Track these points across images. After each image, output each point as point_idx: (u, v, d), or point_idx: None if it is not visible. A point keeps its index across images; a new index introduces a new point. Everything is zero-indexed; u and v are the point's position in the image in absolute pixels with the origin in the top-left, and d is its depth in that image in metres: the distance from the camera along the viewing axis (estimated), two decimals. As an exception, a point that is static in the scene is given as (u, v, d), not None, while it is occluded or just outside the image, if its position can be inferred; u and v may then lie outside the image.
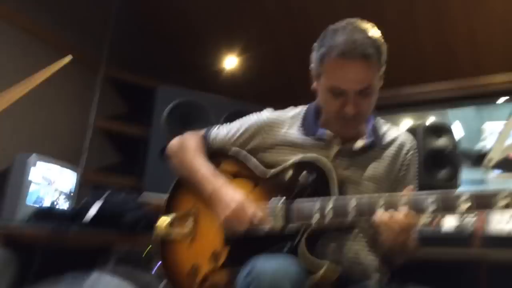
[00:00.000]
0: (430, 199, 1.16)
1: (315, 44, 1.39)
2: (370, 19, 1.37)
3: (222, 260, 1.37)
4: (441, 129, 2.38)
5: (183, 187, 1.56)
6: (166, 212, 1.56)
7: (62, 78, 3.00)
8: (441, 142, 2.35)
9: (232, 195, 1.34)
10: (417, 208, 1.17)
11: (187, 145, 1.55)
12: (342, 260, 1.34)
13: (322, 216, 1.26)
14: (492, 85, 2.89)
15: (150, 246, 2.18)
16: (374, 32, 1.33)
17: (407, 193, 1.20)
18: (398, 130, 1.54)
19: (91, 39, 3.24)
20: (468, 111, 3.46)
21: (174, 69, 3.55)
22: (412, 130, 2.38)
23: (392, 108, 3.26)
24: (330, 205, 1.26)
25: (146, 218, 2.24)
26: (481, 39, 2.86)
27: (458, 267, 2.36)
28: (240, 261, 1.21)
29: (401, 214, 1.17)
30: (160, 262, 1.50)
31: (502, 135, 0.40)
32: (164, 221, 1.53)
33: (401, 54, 3.00)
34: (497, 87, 2.87)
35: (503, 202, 1.06)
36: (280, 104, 1.61)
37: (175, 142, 1.63)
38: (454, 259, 2.28)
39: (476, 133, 3.51)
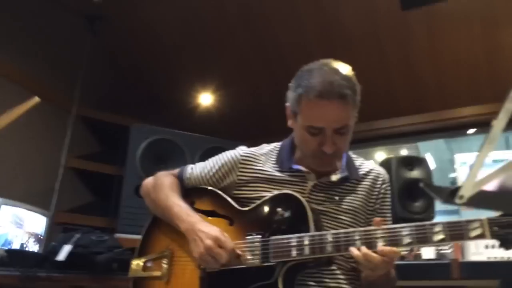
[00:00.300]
0: (404, 231, 1.16)
1: (291, 84, 1.41)
2: (341, 59, 1.41)
3: (198, 301, 1.32)
4: (415, 161, 2.43)
5: (157, 228, 1.52)
6: (140, 253, 1.51)
7: (33, 117, 2.95)
8: (415, 173, 2.39)
9: (208, 230, 1.32)
10: (392, 241, 1.17)
11: (161, 184, 1.53)
12: (321, 296, 1.32)
13: (299, 253, 1.24)
14: (460, 118, 3.00)
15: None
16: (349, 73, 1.36)
17: (381, 226, 1.20)
18: (371, 163, 1.57)
19: (63, 78, 3.22)
20: (439, 143, 3.56)
21: (148, 107, 3.54)
22: (386, 162, 2.42)
23: (365, 141, 3.32)
24: (306, 242, 1.24)
25: (119, 259, 2.16)
26: (448, 74, 2.98)
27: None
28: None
29: (377, 249, 1.16)
30: None
31: (472, 171, 0.41)
32: (138, 262, 1.48)
33: (373, 90, 3.09)
34: (465, 120, 2.97)
35: (475, 233, 1.06)
36: (255, 140, 1.62)
37: (148, 181, 1.60)
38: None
39: (447, 165, 3.59)
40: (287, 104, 1.44)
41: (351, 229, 1.24)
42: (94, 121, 3.30)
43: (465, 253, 2.01)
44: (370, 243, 1.18)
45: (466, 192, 0.39)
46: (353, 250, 1.18)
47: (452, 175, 3.29)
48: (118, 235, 2.66)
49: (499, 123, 0.37)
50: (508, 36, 2.61)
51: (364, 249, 1.17)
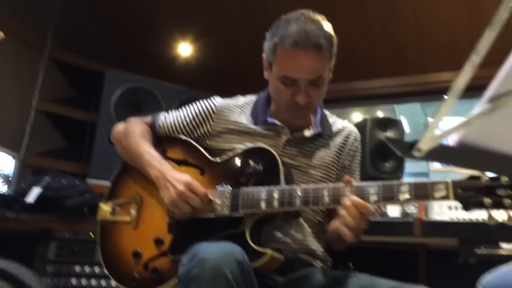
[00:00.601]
0: (372, 190, 1.18)
1: (268, 33, 1.40)
2: (322, 14, 1.38)
3: (165, 246, 1.34)
4: (389, 123, 2.46)
5: (128, 173, 1.52)
6: (109, 198, 1.52)
7: (2, 57, 2.84)
8: (388, 135, 2.42)
9: (179, 177, 1.32)
10: (359, 197, 1.19)
11: (133, 131, 1.51)
12: (287, 247, 1.35)
13: (268, 205, 1.26)
14: (438, 82, 3.01)
15: (92, 234, 2.12)
16: (326, 24, 1.35)
17: (350, 183, 1.22)
18: (344, 121, 1.59)
19: (36, 19, 3.08)
20: (415, 107, 3.60)
21: (125, 55, 3.44)
22: (361, 123, 2.44)
23: (342, 101, 3.33)
24: (276, 195, 1.26)
25: (89, 204, 2.16)
26: (429, 38, 2.97)
27: (400, 253, 2.46)
28: (184, 248, 1.20)
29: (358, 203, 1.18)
30: (100, 248, 1.46)
31: (432, 124, 0.41)
32: (106, 206, 1.48)
33: (353, 51, 3.07)
34: (442, 85, 2.99)
35: (439, 194, 1.09)
36: (233, 93, 1.60)
37: (119, 127, 1.58)
38: (396, 246, 2.37)
39: (421, 128, 3.66)
40: (264, 54, 1.42)
41: (320, 185, 1.26)
42: (68, 65, 3.19)
43: (428, 213, 2.09)
44: (337, 199, 1.21)
45: (425, 146, 0.39)
46: (346, 200, 1.19)
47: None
48: (89, 180, 2.65)
49: (463, 76, 0.37)
50: (491, 4, 2.60)
51: (354, 197, 1.19)
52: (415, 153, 0.40)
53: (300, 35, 1.28)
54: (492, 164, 0.44)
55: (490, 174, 1.07)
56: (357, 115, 3.60)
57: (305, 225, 1.42)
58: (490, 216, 1.06)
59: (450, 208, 2.07)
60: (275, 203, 1.25)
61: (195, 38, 3.41)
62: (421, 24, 2.97)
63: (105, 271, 1.42)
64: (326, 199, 1.22)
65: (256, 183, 1.31)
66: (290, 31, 1.30)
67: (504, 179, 1.04)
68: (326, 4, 2.79)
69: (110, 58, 3.21)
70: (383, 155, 2.38)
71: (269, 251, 1.20)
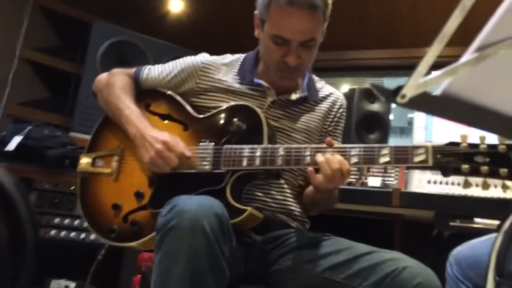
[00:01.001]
0: (353, 151, 1.19)
1: None
2: None
3: (145, 200, 1.34)
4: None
5: (110, 126, 1.50)
6: (90, 149, 1.50)
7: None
8: (375, 107, 2.43)
9: (157, 135, 1.31)
10: None
11: (114, 83, 1.48)
12: (267, 207, 1.37)
13: (250, 162, 1.26)
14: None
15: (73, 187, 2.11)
16: None
17: (331, 144, 1.23)
18: (331, 87, 1.58)
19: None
20: (403, 82, 3.61)
21: (114, 6, 3.33)
22: (349, 93, 2.43)
23: (332, 71, 3.31)
24: (258, 153, 1.26)
25: (71, 156, 2.14)
26: (422, 11, 2.94)
27: (377, 222, 2.52)
28: (164, 202, 1.19)
29: (338, 157, 1.19)
30: (80, 200, 1.45)
31: (418, 70, 0.40)
32: (87, 158, 1.47)
33: (346, 20, 3.02)
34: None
35: (419, 158, 1.10)
36: (223, 52, 1.57)
37: (102, 77, 1.55)
38: (374, 216, 2.42)
39: (408, 104, 3.66)
40: (256, 11, 1.39)
41: (303, 145, 1.27)
42: (55, 13, 3.09)
43: (408, 186, 2.12)
44: None
45: (409, 92, 0.39)
46: (319, 155, 1.20)
47: (410, 115, 3.38)
48: (72, 133, 2.61)
49: (453, 20, 0.36)
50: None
51: (328, 154, 1.19)
52: (399, 100, 0.40)
53: None
54: (473, 117, 0.44)
55: (469, 141, 1.07)
56: (346, 86, 3.59)
57: (286, 186, 1.43)
58: (466, 182, 1.08)
59: (429, 182, 2.10)
60: (257, 161, 1.26)
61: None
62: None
63: (85, 222, 1.42)
64: (308, 159, 1.22)
65: (239, 141, 1.31)
66: None
67: (483, 146, 1.05)
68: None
69: (99, 9, 3.11)
70: (368, 126, 2.39)
71: (248, 208, 1.21)
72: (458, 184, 2.03)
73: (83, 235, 2.15)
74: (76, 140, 2.45)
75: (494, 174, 1.03)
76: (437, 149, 1.09)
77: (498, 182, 1.08)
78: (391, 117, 2.54)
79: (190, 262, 1.00)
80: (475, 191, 2.00)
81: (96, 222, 1.40)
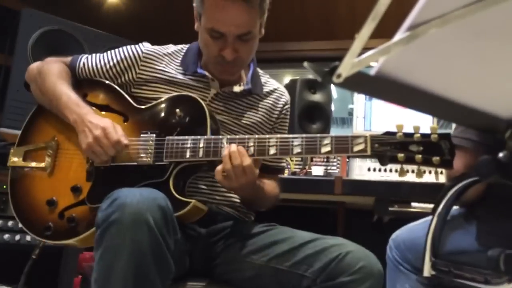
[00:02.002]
0: (296, 141, 1.20)
1: None
2: None
3: (83, 194, 1.29)
4: (318, 85, 2.50)
5: (43, 117, 1.42)
6: (21, 142, 1.41)
7: None
8: (317, 97, 2.47)
9: (97, 121, 1.25)
10: (283, 150, 1.20)
11: (49, 69, 1.40)
12: (211, 199, 1.35)
13: (193, 154, 1.23)
14: (366, 49, 3.10)
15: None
16: None
17: (275, 135, 1.23)
18: (276, 83, 1.57)
19: None
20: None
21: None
22: (291, 83, 2.46)
23: (274, 62, 3.34)
24: (201, 144, 1.24)
25: (0, 153, 2.00)
26: (360, 3, 3.03)
27: (319, 211, 2.57)
28: (103, 196, 1.15)
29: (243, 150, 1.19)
30: (11, 197, 1.36)
31: (352, 49, 0.41)
32: (17, 152, 1.38)
33: (286, 12, 3.05)
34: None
35: (358, 147, 1.14)
36: (164, 43, 1.52)
37: (35, 65, 1.46)
38: (317, 204, 2.47)
39: (347, 95, 3.77)
40: (194, 4, 1.36)
41: (247, 136, 1.26)
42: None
43: (349, 174, 2.18)
44: (263, 150, 1.21)
45: (344, 71, 0.39)
46: (225, 148, 1.19)
47: (350, 106, 3.47)
48: (2, 129, 2.45)
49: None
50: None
51: (234, 146, 1.19)
52: (335, 79, 0.39)
53: None
54: (405, 97, 0.45)
55: (404, 130, 1.12)
56: (288, 77, 3.63)
57: None
58: (401, 170, 1.12)
59: (369, 169, 2.18)
60: (201, 152, 1.23)
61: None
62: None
63: (18, 222, 1.34)
64: (251, 149, 1.21)
65: (182, 132, 1.28)
66: None
67: (417, 135, 1.10)
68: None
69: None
70: (311, 116, 2.43)
71: (192, 201, 1.19)
72: (396, 171, 2.12)
73: (18, 237, 2.04)
74: (6, 136, 2.31)
75: (427, 162, 1.08)
76: (374, 139, 1.12)
77: (431, 169, 1.13)
78: (332, 107, 2.59)
79: (133, 257, 0.97)
80: (412, 177, 2.09)
81: (29, 221, 1.33)
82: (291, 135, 1.23)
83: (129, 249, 0.97)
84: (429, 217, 1.31)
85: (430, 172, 2.07)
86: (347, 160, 2.20)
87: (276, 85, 1.54)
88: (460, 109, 0.46)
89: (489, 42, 0.41)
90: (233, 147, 1.19)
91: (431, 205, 1.62)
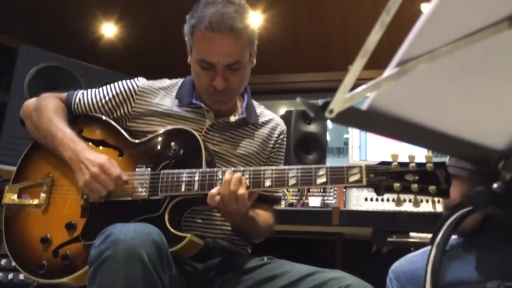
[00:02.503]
0: (291, 173, 1.20)
1: (187, 16, 1.37)
2: (251, 9, 1.37)
3: (78, 231, 1.27)
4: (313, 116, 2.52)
5: (38, 153, 1.42)
6: (16, 180, 1.40)
7: None
8: (312, 128, 2.49)
9: (93, 158, 1.25)
10: (278, 182, 1.20)
11: (45, 106, 1.40)
12: (207, 233, 1.33)
13: (189, 188, 1.23)
14: (360, 80, 3.15)
15: None
16: (244, 8, 1.33)
17: (270, 167, 1.23)
18: (271, 113, 1.58)
19: None
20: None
21: (42, 31, 3.20)
22: (286, 114, 2.48)
23: (270, 93, 3.38)
24: (196, 177, 1.23)
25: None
26: (352, 36, 3.09)
27: (318, 242, 2.54)
28: (98, 232, 1.13)
29: (243, 180, 1.20)
30: (5, 236, 1.34)
31: (344, 85, 0.41)
32: (12, 189, 1.37)
33: (281, 45, 3.11)
34: (364, 82, 3.12)
35: (353, 178, 1.13)
36: (160, 77, 1.55)
37: (31, 101, 1.47)
38: (315, 236, 2.45)
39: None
40: (186, 38, 1.39)
41: (242, 168, 1.26)
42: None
43: (346, 204, 2.17)
44: (258, 182, 1.21)
45: (336, 106, 0.39)
46: (227, 173, 1.20)
47: (346, 135, 3.49)
48: (-3, 166, 2.45)
49: (374, 35, 0.37)
50: (409, 6, 2.75)
51: (238, 174, 1.20)
52: (327, 114, 0.40)
53: (216, 17, 1.26)
54: (397, 131, 0.45)
55: (400, 159, 1.12)
56: (283, 109, 3.66)
57: None
58: (398, 200, 1.12)
59: (366, 199, 2.17)
60: (196, 186, 1.23)
61: (120, 18, 3.26)
62: (346, 24, 3.08)
63: (11, 259, 1.31)
64: (247, 182, 1.21)
65: (177, 165, 1.28)
66: (206, 13, 1.28)
67: (412, 165, 1.10)
68: (256, 2, 2.81)
69: (26, 34, 2.98)
70: (306, 147, 2.44)
71: (188, 235, 1.17)
72: (393, 201, 2.11)
73: (11, 275, 2.00)
74: (1, 173, 2.29)
75: (423, 191, 1.08)
76: (370, 169, 1.12)
77: (428, 198, 1.13)
78: (327, 137, 2.60)
79: None
80: (409, 207, 2.09)
81: (23, 259, 1.30)
82: (286, 167, 1.23)
83: (123, 286, 0.95)
84: (428, 247, 1.30)
85: (427, 201, 2.07)
86: (344, 190, 2.20)
87: (271, 115, 1.56)
88: (453, 141, 0.46)
89: (477, 76, 0.42)
90: (237, 174, 1.19)
91: (430, 235, 1.60)
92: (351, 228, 2.08)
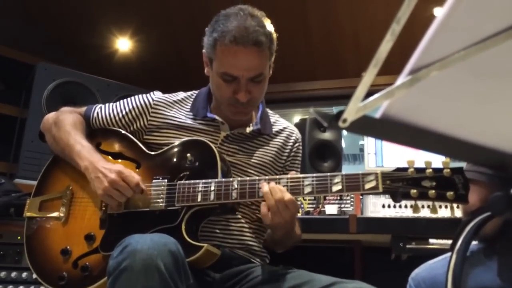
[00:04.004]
0: (306, 181, 1.20)
1: (207, 29, 1.37)
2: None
3: (97, 243, 1.29)
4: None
5: (59, 167, 1.45)
6: (37, 193, 1.43)
7: None
8: (327, 135, 2.48)
9: (110, 166, 1.27)
10: (294, 190, 1.20)
11: (64, 120, 1.44)
12: (224, 243, 1.34)
13: (205, 197, 1.24)
14: (373, 86, 3.14)
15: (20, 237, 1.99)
16: (265, 20, 1.34)
17: (286, 176, 1.24)
18: (286, 122, 1.58)
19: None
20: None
21: (59, 47, 3.27)
22: (301, 123, 2.48)
23: (284, 102, 3.38)
24: (212, 187, 1.24)
25: (16, 204, 2.03)
26: (364, 43, 3.09)
27: (336, 250, 2.52)
28: (116, 243, 1.15)
29: (280, 186, 1.20)
30: (26, 248, 1.37)
31: (356, 94, 0.42)
32: (33, 203, 1.40)
33: (294, 53, 3.13)
34: (377, 88, 3.11)
35: (369, 185, 1.12)
36: (174, 90, 1.57)
37: (51, 115, 1.51)
38: (333, 244, 2.43)
39: (358, 131, 3.77)
40: (204, 50, 1.40)
41: (257, 177, 1.26)
42: (-4, 57, 2.99)
43: (364, 211, 2.15)
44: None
45: (349, 116, 0.40)
46: (263, 185, 1.20)
47: (361, 142, 3.47)
48: (18, 180, 2.49)
49: (385, 45, 0.37)
50: (423, 9, 2.74)
51: (272, 183, 1.20)
52: (341, 124, 0.40)
53: (240, 31, 1.27)
54: (411, 138, 0.45)
55: (416, 165, 1.11)
56: (298, 117, 3.67)
57: (243, 221, 1.40)
58: (415, 206, 1.11)
59: (383, 206, 2.15)
60: (212, 196, 1.24)
61: (134, 33, 3.32)
62: (358, 30, 3.08)
63: (32, 271, 1.34)
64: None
65: (193, 176, 1.29)
66: (230, 27, 1.28)
67: (429, 171, 1.09)
68: (267, 7, 2.83)
69: (43, 50, 3.05)
70: (321, 155, 2.43)
71: (205, 245, 1.18)
72: (411, 207, 2.09)
73: (32, 288, 2.02)
74: (21, 187, 2.33)
75: (441, 197, 1.07)
76: (385, 176, 1.12)
77: (446, 204, 1.11)
78: (342, 144, 2.59)
79: None
80: (428, 213, 2.06)
81: (43, 271, 1.32)
82: (302, 175, 1.23)
83: None
84: (448, 254, 1.28)
85: (446, 207, 2.04)
86: (361, 197, 2.18)
87: (285, 124, 1.56)
88: (469, 147, 0.46)
89: (490, 82, 0.42)
90: (272, 183, 1.19)
91: (449, 241, 1.58)
92: (369, 235, 2.06)
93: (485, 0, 0.37)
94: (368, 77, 0.38)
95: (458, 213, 1.84)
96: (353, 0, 2.99)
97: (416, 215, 1.99)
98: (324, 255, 2.51)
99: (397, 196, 1.10)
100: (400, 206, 2.12)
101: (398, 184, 1.10)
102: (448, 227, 1.83)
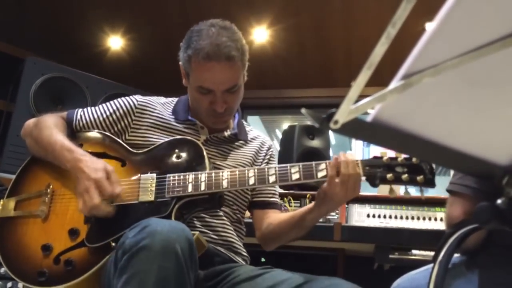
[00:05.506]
0: (293, 169, 1.26)
1: (182, 44, 1.42)
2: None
3: (81, 237, 1.28)
4: (316, 131, 2.53)
5: (38, 165, 1.44)
6: (12, 193, 1.42)
7: None
8: (315, 143, 2.49)
9: (95, 164, 1.27)
10: (282, 178, 1.25)
11: (45, 121, 1.43)
12: (209, 237, 1.36)
13: (195, 188, 1.26)
14: (363, 96, 3.16)
15: None
16: (236, 34, 1.40)
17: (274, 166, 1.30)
18: (258, 131, 1.67)
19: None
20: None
21: (49, 42, 3.24)
22: (289, 129, 2.49)
23: (274, 108, 3.39)
24: (203, 178, 1.27)
25: (-3, 198, 1.99)
26: (356, 53, 3.12)
27: (319, 257, 2.53)
28: (105, 235, 1.18)
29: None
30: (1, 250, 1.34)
31: (349, 96, 0.42)
32: (7, 202, 1.38)
33: (286, 60, 3.14)
34: (367, 99, 3.14)
35: (322, 174, 1.23)
36: (165, 90, 1.60)
37: (31, 120, 1.51)
38: (316, 251, 2.43)
39: (345, 141, 3.80)
40: (180, 63, 1.44)
41: (247, 167, 1.29)
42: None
43: (349, 220, 2.16)
44: (263, 179, 1.26)
45: (341, 117, 0.40)
46: (341, 154, 1.24)
47: (349, 152, 3.50)
48: (1, 174, 2.45)
49: (380, 47, 0.37)
50: (414, 24, 2.78)
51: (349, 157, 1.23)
52: (332, 125, 0.40)
53: (212, 48, 1.32)
54: (401, 143, 0.45)
55: (390, 154, 1.22)
56: (287, 123, 3.68)
57: (225, 219, 1.44)
58: (391, 190, 1.23)
59: (368, 216, 2.16)
60: (203, 186, 1.26)
61: (126, 32, 3.30)
62: (350, 40, 3.11)
63: (6, 270, 1.31)
64: (252, 179, 1.26)
65: (182, 170, 1.31)
66: (203, 44, 1.33)
67: (400, 158, 1.22)
68: (261, 17, 2.84)
69: (33, 45, 3.01)
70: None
71: (196, 233, 1.18)
72: (396, 218, 2.10)
73: (9, 284, 1.99)
74: (4, 181, 2.29)
75: (413, 181, 1.21)
76: (365, 162, 1.23)
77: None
78: (330, 153, 2.61)
79: (159, 284, 0.97)
80: (412, 224, 2.08)
81: (20, 268, 1.30)
82: (288, 164, 1.28)
83: (156, 276, 0.98)
84: (430, 265, 1.28)
85: (430, 219, 2.06)
86: (346, 206, 2.19)
87: (258, 133, 1.65)
88: (457, 155, 0.46)
89: (482, 90, 0.42)
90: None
91: (432, 253, 1.59)
92: (353, 244, 2.07)
93: (480, 9, 0.37)
94: (362, 78, 0.39)
95: (442, 226, 1.85)
96: (345, 11, 3.02)
97: (400, 225, 2.02)
98: (307, 262, 2.51)
99: (375, 180, 1.21)
100: (384, 216, 2.13)
101: (376, 169, 1.21)
102: (431, 239, 1.85)
